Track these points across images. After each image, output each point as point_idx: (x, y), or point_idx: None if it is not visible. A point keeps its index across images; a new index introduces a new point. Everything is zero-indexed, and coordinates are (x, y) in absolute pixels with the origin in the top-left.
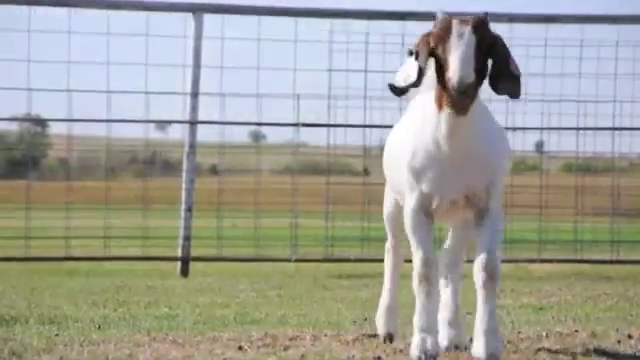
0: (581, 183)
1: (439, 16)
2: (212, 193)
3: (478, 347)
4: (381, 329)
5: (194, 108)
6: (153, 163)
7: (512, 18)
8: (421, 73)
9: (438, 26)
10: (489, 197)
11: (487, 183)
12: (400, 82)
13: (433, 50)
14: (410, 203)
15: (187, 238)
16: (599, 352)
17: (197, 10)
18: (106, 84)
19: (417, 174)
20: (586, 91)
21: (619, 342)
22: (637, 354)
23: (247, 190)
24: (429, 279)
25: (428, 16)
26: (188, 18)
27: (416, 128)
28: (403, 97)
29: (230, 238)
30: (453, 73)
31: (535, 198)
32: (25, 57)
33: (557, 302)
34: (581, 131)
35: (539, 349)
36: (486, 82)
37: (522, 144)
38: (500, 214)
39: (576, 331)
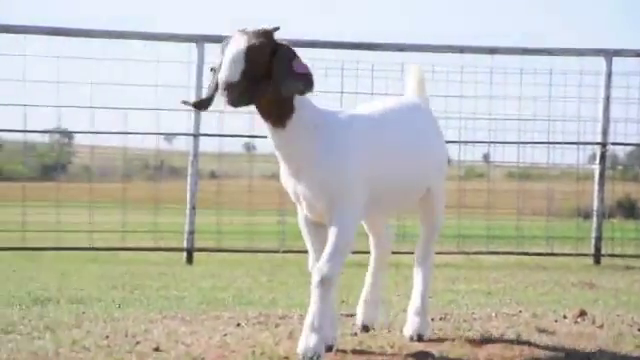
0: (521, 188)
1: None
2: (212, 194)
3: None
4: (359, 319)
5: (197, 123)
6: (161, 169)
7: (462, 49)
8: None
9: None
10: (332, 213)
11: (327, 202)
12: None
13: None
14: (298, 213)
15: (191, 232)
16: (540, 330)
17: (199, 40)
18: (123, 102)
19: (286, 188)
20: (525, 111)
21: (556, 321)
22: (572, 331)
23: (242, 192)
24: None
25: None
26: (192, 47)
27: None
28: None
29: (228, 232)
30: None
31: (483, 200)
32: (56, 79)
33: (503, 288)
34: (521, 145)
35: (490, 327)
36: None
37: (472, 155)
38: (343, 229)
39: (520, 312)
